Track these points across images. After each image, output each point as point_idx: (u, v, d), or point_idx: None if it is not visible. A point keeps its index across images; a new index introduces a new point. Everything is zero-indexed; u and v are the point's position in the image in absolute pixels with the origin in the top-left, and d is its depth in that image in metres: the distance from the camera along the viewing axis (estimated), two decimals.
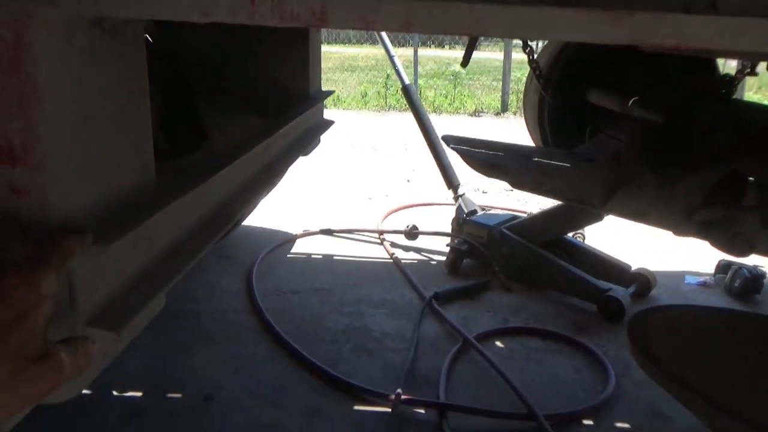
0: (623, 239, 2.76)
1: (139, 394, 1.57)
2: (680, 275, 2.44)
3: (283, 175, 1.27)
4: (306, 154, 1.50)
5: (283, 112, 1.42)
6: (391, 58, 2.72)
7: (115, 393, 1.57)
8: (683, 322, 0.83)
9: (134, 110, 0.64)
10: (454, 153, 1.92)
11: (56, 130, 0.51)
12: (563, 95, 1.86)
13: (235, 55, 1.54)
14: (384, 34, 2.72)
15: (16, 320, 0.43)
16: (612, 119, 1.70)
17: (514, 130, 5.78)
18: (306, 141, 1.47)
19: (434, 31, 0.50)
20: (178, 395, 1.58)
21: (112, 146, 0.60)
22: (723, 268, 2.39)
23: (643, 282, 2.22)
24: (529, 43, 1.78)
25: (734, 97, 1.58)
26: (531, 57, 1.85)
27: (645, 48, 0.59)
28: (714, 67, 1.81)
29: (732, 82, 1.64)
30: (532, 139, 2.15)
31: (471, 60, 1.94)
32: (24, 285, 0.44)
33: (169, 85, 1.40)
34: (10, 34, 0.46)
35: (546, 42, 2.05)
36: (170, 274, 0.72)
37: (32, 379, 0.43)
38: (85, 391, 1.56)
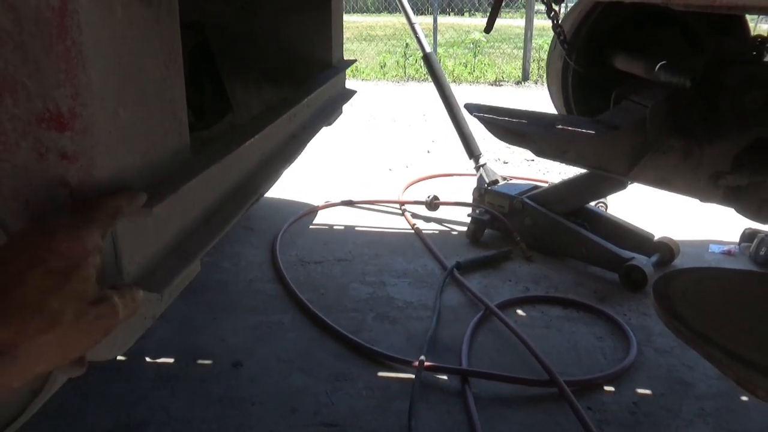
0: (646, 208, 2.74)
1: (171, 360, 1.63)
2: (704, 244, 2.42)
3: (306, 145, 1.28)
4: (329, 124, 1.51)
5: (306, 82, 1.42)
6: (411, 25, 2.69)
7: (147, 359, 1.62)
8: (709, 283, 0.83)
9: (170, 78, 0.65)
10: (475, 123, 1.91)
11: (100, 96, 0.53)
12: (588, 61, 1.83)
13: (257, 24, 1.54)
14: (405, 0, 2.69)
15: (70, 269, 0.49)
16: (637, 85, 1.67)
17: (536, 100, 5.71)
18: (329, 111, 1.47)
19: None
20: (208, 362, 1.63)
21: (151, 112, 0.62)
22: (748, 236, 2.36)
23: (666, 251, 2.20)
24: (554, 7, 1.75)
25: (766, 59, 1.54)
26: (555, 22, 1.82)
27: (676, 6, 0.58)
28: (744, 28, 1.76)
29: (763, 44, 1.59)
30: (555, 106, 2.12)
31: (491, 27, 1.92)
32: (70, 240, 0.49)
33: (194, 55, 1.41)
34: (57, 1, 0.47)
35: (571, 6, 2.01)
36: (204, 240, 0.74)
37: (93, 320, 0.49)
38: (119, 357, 1.62)
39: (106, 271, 0.57)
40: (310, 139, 1.32)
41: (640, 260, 2.06)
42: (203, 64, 1.63)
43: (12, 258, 0.48)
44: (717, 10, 0.84)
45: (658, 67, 1.51)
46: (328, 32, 1.54)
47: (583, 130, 1.49)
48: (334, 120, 1.58)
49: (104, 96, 0.54)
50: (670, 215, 2.68)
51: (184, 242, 0.70)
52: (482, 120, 1.56)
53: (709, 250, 2.37)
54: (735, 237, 2.43)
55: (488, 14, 1.67)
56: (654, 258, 2.14)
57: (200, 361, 1.63)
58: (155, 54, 0.63)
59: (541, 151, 1.55)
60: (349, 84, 1.87)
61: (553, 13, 1.82)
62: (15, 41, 0.49)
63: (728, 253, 2.34)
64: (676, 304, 0.73)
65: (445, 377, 1.58)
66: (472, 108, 1.63)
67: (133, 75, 0.58)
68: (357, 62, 7.84)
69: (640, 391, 1.55)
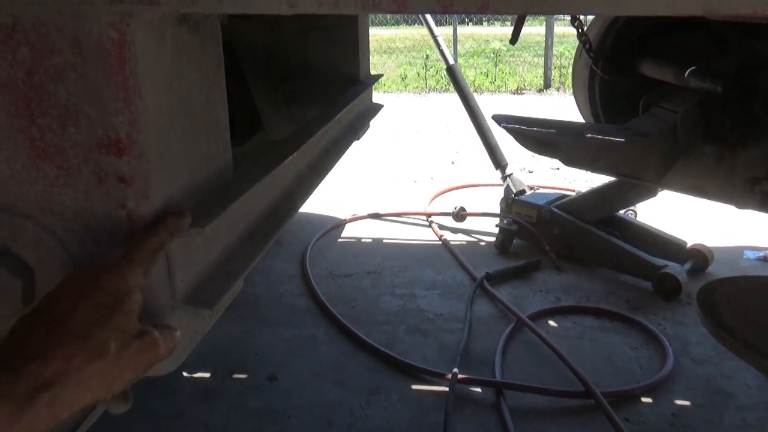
0: (677, 215, 2.70)
1: (207, 375, 1.65)
2: (738, 250, 2.37)
3: (337, 160, 1.30)
4: (358, 138, 1.52)
5: (335, 98, 1.44)
6: (434, 38, 2.71)
7: (185, 374, 1.65)
8: (754, 292, 0.82)
9: (214, 99, 0.68)
10: (499, 132, 1.91)
11: (154, 122, 0.55)
12: (615, 68, 1.81)
13: (286, 43, 1.57)
14: (428, 15, 2.71)
15: (115, 304, 0.52)
16: (666, 91, 1.66)
17: (558, 107, 5.67)
18: (358, 125, 1.49)
19: (511, 12, 0.51)
20: (244, 376, 1.65)
21: (198, 134, 0.64)
22: None
23: (699, 258, 2.17)
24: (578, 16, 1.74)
25: None
26: (580, 30, 1.81)
27: (715, 17, 0.58)
28: None
29: None
30: (582, 115, 2.11)
31: None
32: (114, 278, 0.53)
33: (226, 76, 1.44)
34: (116, 33, 0.50)
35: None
36: (249, 257, 0.76)
37: (136, 353, 0.52)
38: None
39: (160, 289, 0.59)
40: (342, 155, 1.33)
41: (674, 268, 2.03)
42: (235, 84, 1.67)
43: (63, 296, 0.51)
44: (759, 20, 0.83)
45: (688, 72, 1.49)
46: (355, 48, 1.56)
47: (613, 138, 1.49)
48: (363, 134, 1.60)
49: (157, 121, 0.56)
50: (703, 221, 2.63)
51: (230, 259, 0.72)
52: (511, 131, 1.56)
53: (744, 256, 2.32)
54: None
55: (513, 26, 1.68)
56: (687, 265, 2.11)
57: (236, 375, 1.65)
58: (201, 78, 0.65)
59: (571, 161, 1.55)
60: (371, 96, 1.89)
61: (577, 21, 1.82)
62: (78, 72, 0.51)
63: (764, 258, 2.29)
64: (723, 314, 0.72)
65: (479, 389, 1.57)
66: (500, 119, 1.63)
67: (182, 99, 0.61)
68: None
69: (679, 402, 1.52)
